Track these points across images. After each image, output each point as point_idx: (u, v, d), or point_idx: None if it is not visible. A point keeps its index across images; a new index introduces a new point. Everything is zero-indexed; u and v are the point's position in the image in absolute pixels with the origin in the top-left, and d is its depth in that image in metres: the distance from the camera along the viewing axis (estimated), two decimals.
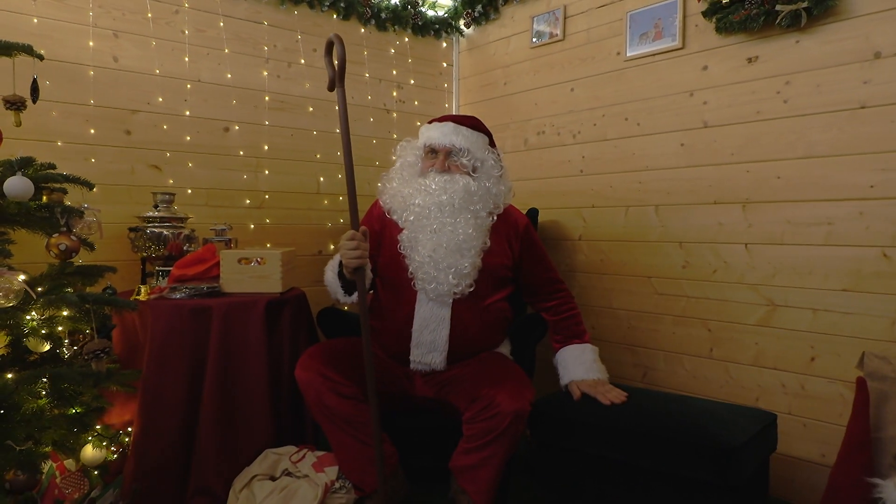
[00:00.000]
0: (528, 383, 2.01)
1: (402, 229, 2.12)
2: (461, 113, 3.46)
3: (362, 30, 3.11)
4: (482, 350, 2.18)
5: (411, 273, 2.08)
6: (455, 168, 2.12)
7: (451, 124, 2.15)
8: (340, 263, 2.01)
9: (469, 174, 2.12)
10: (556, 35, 2.93)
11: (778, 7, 2.09)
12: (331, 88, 1.74)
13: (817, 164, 2.11)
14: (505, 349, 2.25)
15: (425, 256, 2.04)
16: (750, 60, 2.27)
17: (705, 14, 2.32)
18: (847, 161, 2.05)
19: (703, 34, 2.39)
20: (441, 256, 2.03)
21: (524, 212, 2.76)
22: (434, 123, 2.18)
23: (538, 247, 2.31)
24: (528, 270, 2.27)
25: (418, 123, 3.31)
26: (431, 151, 2.15)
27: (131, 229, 2.29)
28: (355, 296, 2.06)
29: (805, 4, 2.03)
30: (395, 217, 2.16)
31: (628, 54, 2.63)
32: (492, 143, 2.23)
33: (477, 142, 2.16)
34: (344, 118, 1.72)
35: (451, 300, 2.07)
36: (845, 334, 2.06)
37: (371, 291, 2.21)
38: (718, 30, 2.30)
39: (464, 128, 2.15)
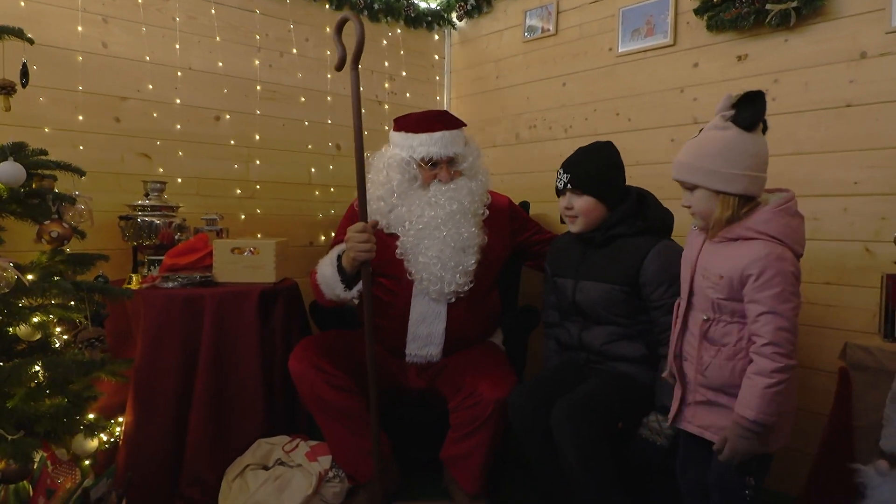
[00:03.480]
0: (512, 372, 2.06)
1: (394, 235, 2.11)
2: (452, 106, 3.47)
3: None
4: (477, 340, 2.21)
5: (411, 274, 2.08)
6: (457, 174, 2.13)
7: (445, 133, 2.10)
8: (339, 258, 2.02)
9: (466, 176, 2.14)
10: (549, 30, 2.95)
11: (768, 6, 2.13)
12: (339, 68, 1.69)
13: (805, 161, 2.16)
14: (497, 339, 2.28)
15: (432, 258, 2.04)
16: (740, 58, 2.31)
17: (697, 11, 2.36)
18: (833, 158, 2.10)
19: (694, 32, 2.43)
20: (448, 256, 2.04)
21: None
22: (425, 135, 2.10)
23: (523, 215, 2.40)
24: (525, 239, 2.34)
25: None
26: (431, 163, 2.11)
27: (122, 218, 2.26)
28: (355, 291, 2.04)
29: (795, 4, 2.08)
30: (392, 229, 2.13)
31: (620, 50, 2.66)
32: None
33: (465, 140, 2.18)
34: (357, 102, 1.69)
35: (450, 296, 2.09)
36: (828, 326, 2.12)
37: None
38: (709, 27, 2.33)
39: (454, 132, 2.13)
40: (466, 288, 2.08)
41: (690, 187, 1.47)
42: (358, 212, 1.87)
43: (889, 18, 1.95)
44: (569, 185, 1.94)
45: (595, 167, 1.95)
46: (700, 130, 1.48)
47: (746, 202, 1.41)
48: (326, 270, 2.06)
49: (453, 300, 2.09)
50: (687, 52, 2.46)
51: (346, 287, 2.04)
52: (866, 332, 2.01)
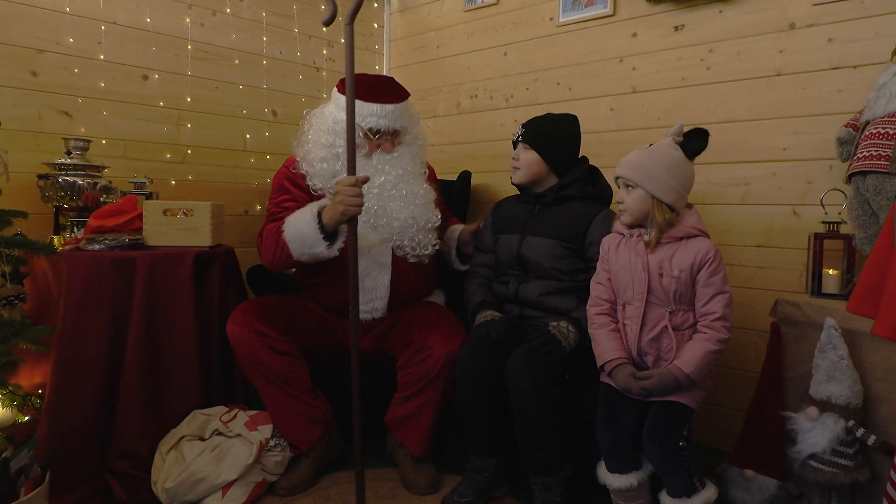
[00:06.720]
0: (460, 326, 2.06)
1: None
2: (392, 76, 3.40)
3: None
4: (421, 296, 2.20)
5: (390, 241, 2.08)
6: (398, 144, 2.14)
7: (396, 106, 2.08)
8: (318, 214, 1.90)
9: (406, 144, 2.16)
10: None
11: None
12: (327, 23, 1.59)
13: (737, 128, 2.25)
14: (439, 298, 2.28)
15: (406, 219, 2.06)
16: (676, 28, 2.37)
17: None
18: (763, 125, 2.19)
19: (633, 2, 2.48)
20: (419, 214, 2.08)
21: (456, 175, 2.78)
22: (376, 105, 2.04)
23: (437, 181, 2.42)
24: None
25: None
26: (378, 134, 2.09)
27: (41, 177, 2.10)
28: (336, 248, 1.94)
29: None
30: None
31: (561, 20, 2.69)
32: None
33: (410, 111, 2.18)
34: (350, 57, 1.59)
35: (391, 247, 2.08)
36: (758, 287, 2.22)
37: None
38: None
39: (403, 104, 2.11)
40: (436, 248, 2.16)
41: (633, 185, 1.64)
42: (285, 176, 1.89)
43: None
44: (520, 137, 2.08)
45: (549, 130, 2.08)
46: (650, 145, 1.66)
47: (671, 212, 1.62)
48: (304, 228, 1.91)
49: (391, 248, 2.09)
50: (626, 22, 2.50)
51: (329, 244, 1.92)
52: (794, 292, 2.12)
